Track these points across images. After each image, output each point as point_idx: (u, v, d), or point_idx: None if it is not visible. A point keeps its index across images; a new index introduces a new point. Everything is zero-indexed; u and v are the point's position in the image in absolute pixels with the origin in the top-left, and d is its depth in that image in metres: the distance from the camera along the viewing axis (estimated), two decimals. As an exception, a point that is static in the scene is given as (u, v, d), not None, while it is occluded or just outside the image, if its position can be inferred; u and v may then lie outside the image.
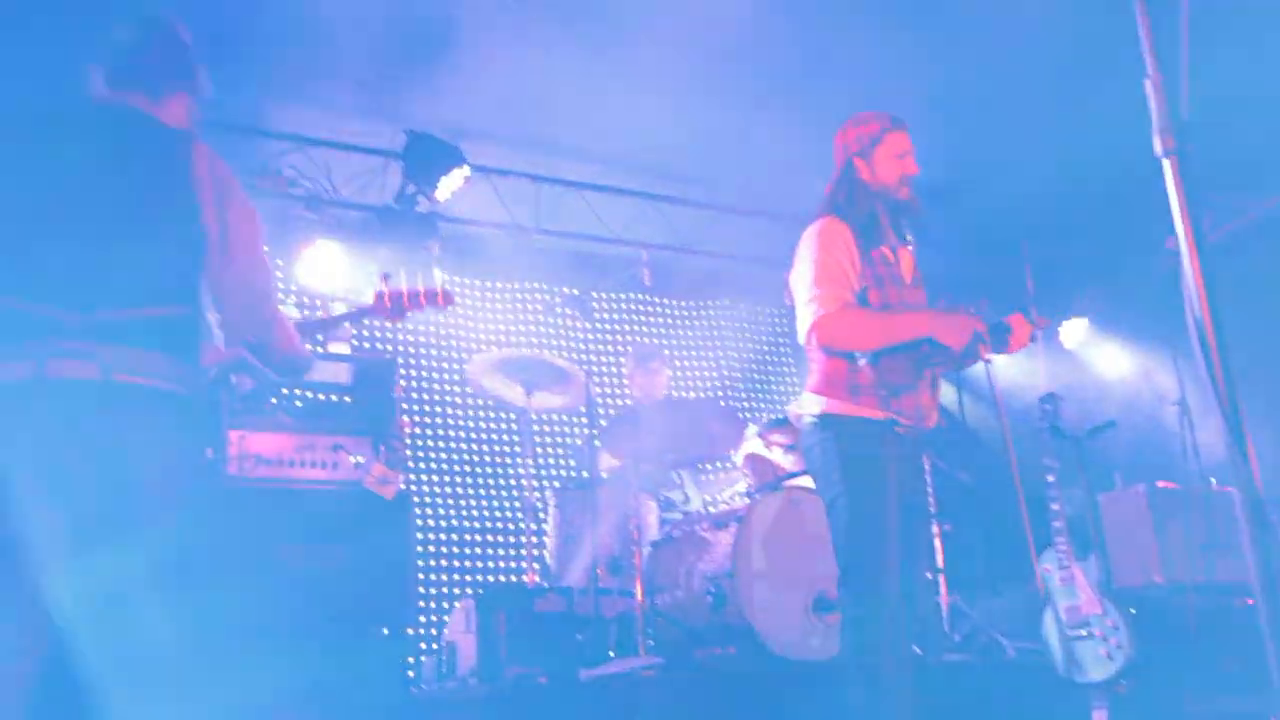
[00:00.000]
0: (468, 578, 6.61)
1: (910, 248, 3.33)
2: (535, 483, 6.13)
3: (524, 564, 5.42)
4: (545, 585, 5.23)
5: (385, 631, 3.99)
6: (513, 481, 6.86)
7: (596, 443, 5.22)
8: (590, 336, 7.46)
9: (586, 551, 5.09)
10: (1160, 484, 6.14)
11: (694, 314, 8.17)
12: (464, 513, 6.74)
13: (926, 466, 5.47)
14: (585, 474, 5.66)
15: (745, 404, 8.09)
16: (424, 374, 6.90)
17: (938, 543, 5.68)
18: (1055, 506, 4.69)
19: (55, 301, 2.13)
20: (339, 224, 6.28)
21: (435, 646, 5.77)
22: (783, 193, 6.34)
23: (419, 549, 6.32)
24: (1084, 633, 4.47)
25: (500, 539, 6.79)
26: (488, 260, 6.99)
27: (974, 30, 5.21)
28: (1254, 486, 1.67)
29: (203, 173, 2.28)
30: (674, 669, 4.31)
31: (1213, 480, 5.97)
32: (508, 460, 6.93)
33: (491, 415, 6.98)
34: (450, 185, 6.02)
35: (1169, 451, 6.17)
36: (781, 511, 4.59)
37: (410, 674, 5.32)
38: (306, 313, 6.13)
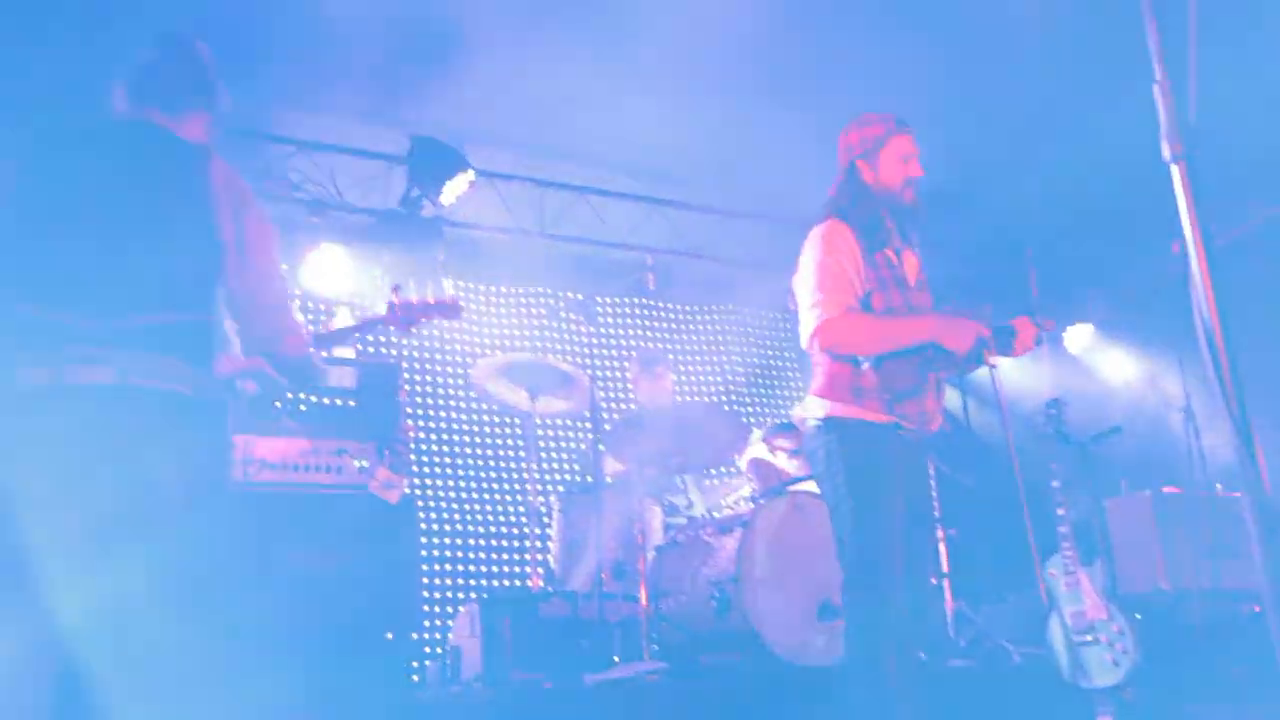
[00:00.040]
0: (472, 582, 6.60)
1: (915, 251, 3.32)
2: (539, 487, 6.13)
3: (528, 568, 5.41)
4: (550, 590, 5.23)
5: (390, 635, 3.99)
6: (517, 486, 6.85)
7: (601, 447, 5.21)
8: (594, 341, 7.45)
9: (591, 556, 5.08)
10: (1166, 489, 6.12)
11: (698, 318, 8.17)
12: (468, 517, 6.73)
13: (930, 471, 5.45)
14: (589, 479, 5.65)
15: (750, 409, 8.08)
16: (428, 378, 6.90)
17: (942, 548, 5.67)
18: (1060, 512, 4.68)
19: (72, 308, 2.16)
20: (344, 228, 6.29)
21: (440, 651, 5.76)
22: (788, 197, 6.32)
23: (423, 553, 6.31)
24: (1089, 638, 4.46)
25: (505, 543, 6.79)
26: (492, 265, 7.00)
27: (980, 34, 5.20)
28: (1263, 491, 1.67)
29: (219, 186, 2.33)
30: (678, 674, 4.31)
31: (1218, 485, 5.96)
32: (512, 465, 6.93)
33: (496, 420, 6.97)
34: (455, 190, 6.03)
35: (1174, 457, 6.16)
36: (786, 516, 4.58)
37: (415, 678, 5.33)
38: (311, 316, 6.14)
